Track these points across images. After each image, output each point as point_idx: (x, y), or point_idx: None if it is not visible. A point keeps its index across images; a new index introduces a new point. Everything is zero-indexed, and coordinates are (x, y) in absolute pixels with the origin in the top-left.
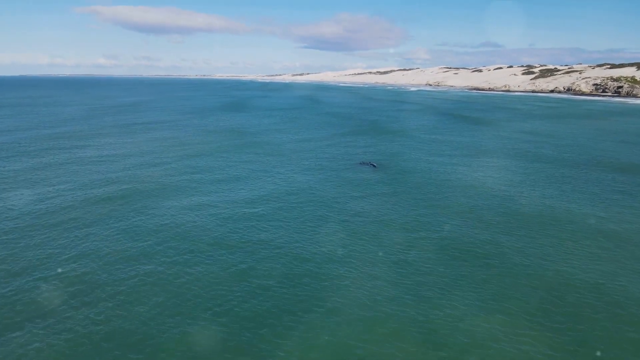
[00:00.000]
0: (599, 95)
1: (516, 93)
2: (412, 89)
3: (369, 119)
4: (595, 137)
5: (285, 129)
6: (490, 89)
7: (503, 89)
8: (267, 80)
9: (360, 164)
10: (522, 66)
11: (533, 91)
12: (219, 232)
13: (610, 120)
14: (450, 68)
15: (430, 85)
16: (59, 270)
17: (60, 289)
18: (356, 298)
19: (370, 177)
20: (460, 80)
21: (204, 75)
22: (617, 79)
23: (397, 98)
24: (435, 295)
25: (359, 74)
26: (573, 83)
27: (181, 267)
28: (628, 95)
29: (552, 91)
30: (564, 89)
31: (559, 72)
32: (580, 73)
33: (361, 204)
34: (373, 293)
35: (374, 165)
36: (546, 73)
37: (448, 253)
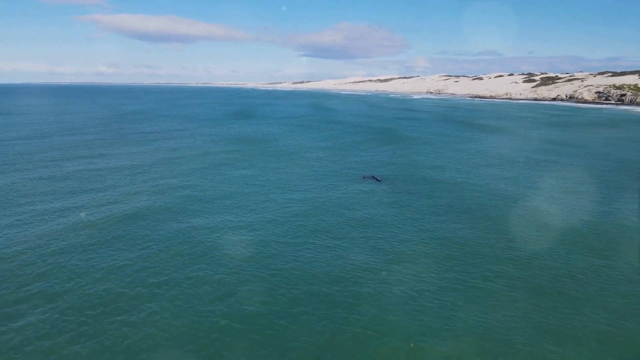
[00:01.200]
0: (602, 103)
1: (518, 101)
2: (415, 96)
3: (379, 127)
4: (610, 145)
5: (289, 138)
6: (491, 97)
7: (505, 96)
8: (269, 89)
9: (363, 177)
10: (523, 74)
11: (535, 99)
12: (200, 249)
13: (621, 128)
14: (450, 76)
15: (431, 93)
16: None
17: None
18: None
19: (372, 195)
20: (461, 88)
21: (205, 83)
22: (620, 87)
23: (402, 106)
24: (452, 342)
25: (359, 82)
26: (575, 91)
27: (156, 293)
28: (632, 103)
29: (554, 99)
30: (566, 96)
31: (560, 80)
32: (582, 81)
33: (359, 229)
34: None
35: (378, 180)
36: (547, 81)
37: (464, 292)
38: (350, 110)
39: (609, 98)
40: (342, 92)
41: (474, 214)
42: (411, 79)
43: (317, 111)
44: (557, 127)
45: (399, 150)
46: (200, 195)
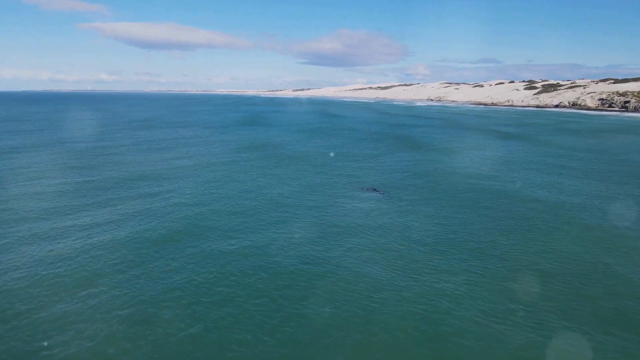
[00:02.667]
0: (606, 110)
1: (523, 108)
2: (418, 103)
3: (390, 134)
4: (631, 151)
5: (298, 145)
6: (493, 104)
7: (506, 104)
8: (271, 96)
9: (363, 189)
10: (524, 81)
11: (537, 106)
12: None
13: (636, 134)
14: (450, 83)
15: (432, 100)
16: None
17: None
18: None
19: (372, 211)
20: (462, 96)
21: (205, 91)
22: (624, 94)
23: (407, 112)
24: None
25: (359, 89)
26: (578, 98)
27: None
28: (636, 110)
29: (556, 106)
30: (569, 103)
31: (562, 87)
32: (584, 88)
33: (354, 252)
34: None
35: (379, 192)
36: (549, 88)
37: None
38: (358, 117)
39: (613, 105)
40: (345, 99)
41: (487, 234)
42: (411, 86)
43: (326, 118)
44: (570, 134)
45: (408, 158)
46: (194, 215)
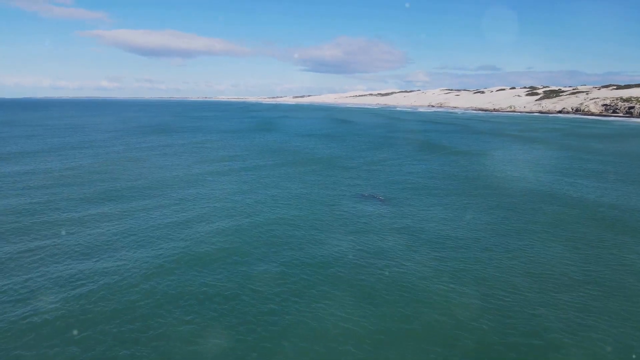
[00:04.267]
0: (610, 116)
1: (530, 114)
2: (421, 109)
3: (404, 138)
4: None
5: (318, 149)
6: (495, 110)
7: (508, 109)
8: (274, 102)
9: (362, 195)
10: (525, 87)
11: (540, 112)
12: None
13: None
14: (451, 90)
15: (433, 106)
16: None
17: None
18: None
19: (375, 218)
20: (463, 102)
21: (206, 97)
22: (628, 100)
23: (417, 118)
24: None
25: (359, 95)
26: (581, 104)
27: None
28: None
29: (559, 112)
30: (572, 109)
31: (564, 93)
32: (587, 94)
33: (355, 267)
34: None
35: (380, 199)
36: (551, 94)
37: None
38: (368, 123)
39: (617, 111)
40: (348, 105)
41: (501, 252)
42: (412, 92)
43: (336, 124)
44: (586, 138)
45: (419, 164)
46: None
